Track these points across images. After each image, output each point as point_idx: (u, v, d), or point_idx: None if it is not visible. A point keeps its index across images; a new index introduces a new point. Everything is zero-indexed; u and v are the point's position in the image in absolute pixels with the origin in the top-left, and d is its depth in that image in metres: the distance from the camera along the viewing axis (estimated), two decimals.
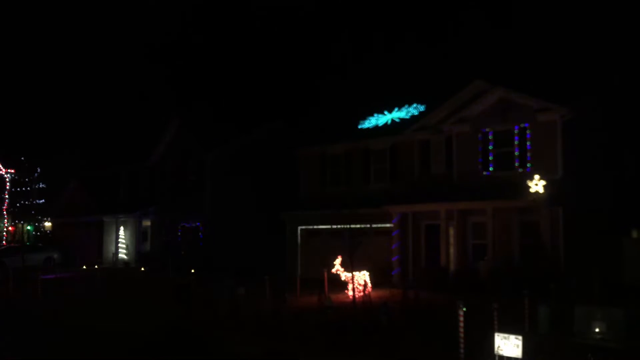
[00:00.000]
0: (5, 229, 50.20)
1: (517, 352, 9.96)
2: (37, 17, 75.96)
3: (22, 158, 53.21)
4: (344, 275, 19.20)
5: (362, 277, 18.99)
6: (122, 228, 36.64)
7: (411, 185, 25.12)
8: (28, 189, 54.85)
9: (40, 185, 55.60)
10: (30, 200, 55.17)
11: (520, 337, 10.03)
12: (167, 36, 72.37)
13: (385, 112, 28.39)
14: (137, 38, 78.10)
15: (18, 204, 54.33)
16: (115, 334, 16.27)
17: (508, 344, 10.08)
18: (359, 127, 28.65)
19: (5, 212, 50.43)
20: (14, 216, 55.16)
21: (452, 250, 22.64)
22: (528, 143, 21.71)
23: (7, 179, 49.77)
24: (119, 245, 36.44)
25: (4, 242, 47.38)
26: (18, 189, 53.91)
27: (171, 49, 71.65)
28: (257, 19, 59.50)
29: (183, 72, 60.75)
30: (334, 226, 19.52)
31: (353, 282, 18.82)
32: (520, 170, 21.60)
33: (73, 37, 77.85)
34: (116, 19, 73.96)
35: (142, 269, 32.25)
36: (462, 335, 10.87)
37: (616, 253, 20.30)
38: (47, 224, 52.26)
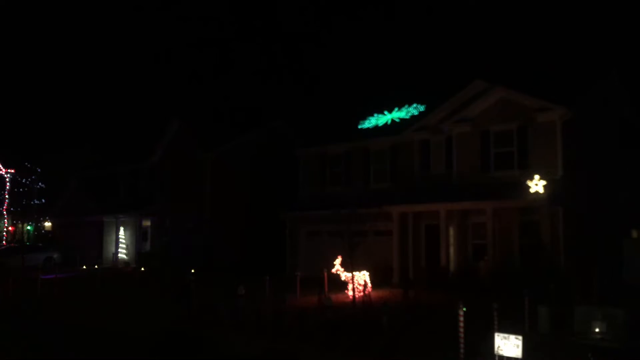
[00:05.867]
0: (5, 229, 50.18)
1: (517, 352, 9.96)
2: (38, 17, 75.95)
3: (22, 158, 53.23)
4: (344, 275, 19.19)
5: (362, 277, 18.98)
6: (122, 228, 36.63)
7: (411, 185, 25.10)
8: (28, 189, 54.87)
9: (40, 185, 55.60)
10: (31, 200, 55.19)
11: (520, 337, 10.03)
12: (168, 36, 72.39)
13: (385, 112, 28.38)
14: (138, 38, 78.09)
15: (18, 204, 54.37)
16: (115, 334, 16.27)
17: (508, 344, 10.08)
18: (359, 127, 28.64)
19: (5, 212, 50.42)
20: (14, 216, 55.17)
21: (452, 250, 22.63)
22: (528, 143, 21.68)
23: (7, 179, 49.74)
24: (119, 245, 36.43)
25: (4, 242, 47.35)
26: (18, 189, 53.92)
27: (172, 49, 71.65)
28: (258, 19, 59.51)
29: (183, 72, 60.75)
30: (334, 226, 19.48)
31: (353, 282, 18.81)
32: (520, 170, 21.58)
33: (74, 38, 77.86)
34: (117, 19, 73.95)
35: (142, 269, 32.23)
36: (462, 335, 10.87)
37: (616, 253, 20.30)
38: (47, 224, 52.26)
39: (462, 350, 10.83)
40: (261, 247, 30.74)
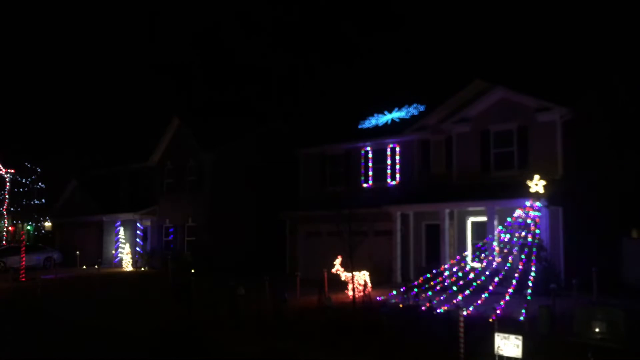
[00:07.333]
0: (5, 229, 50.17)
1: (517, 352, 9.96)
2: (38, 16, 76.01)
3: (23, 158, 53.20)
4: (344, 275, 19.18)
5: (362, 277, 18.98)
6: (122, 228, 36.63)
7: (411, 185, 25.12)
8: (28, 189, 54.86)
9: (40, 185, 55.61)
10: (31, 200, 55.19)
11: (520, 337, 10.03)
12: (168, 36, 72.40)
13: (385, 112, 28.39)
14: (137, 37, 78.13)
15: (18, 204, 54.34)
16: (115, 333, 16.27)
17: (508, 344, 10.08)
18: (359, 127, 28.65)
19: (5, 212, 50.41)
20: (14, 216, 55.13)
21: (452, 250, 22.64)
22: (528, 143, 21.69)
23: (7, 179, 49.74)
24: (119, 245, 36.43)
25: (4, 242, 47.34)
26: (18, 189, 53.91)
27: (172, 49, 71.68)
28: (257, 18, 59.49)
29: (183, 72, 60.75)
30: (334, 226, 19.48)
31: (353, 282, 18.80)
32: (520, 170, 21.58)
33: (74, 37, 77.89)
34: (116, 18, 74.00)
35: (142, 269, 32.24)
36: (462, 335, 10.87)
37: (616, 253, 20.31)
38: (47, 224, 52.22)
39: (462, 350, 10.83)
40: (261, 247, 30.73)
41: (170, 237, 34.12)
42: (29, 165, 54.53)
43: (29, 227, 56.53)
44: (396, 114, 27.87)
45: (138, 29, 78.31)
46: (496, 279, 19.97)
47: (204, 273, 26.82)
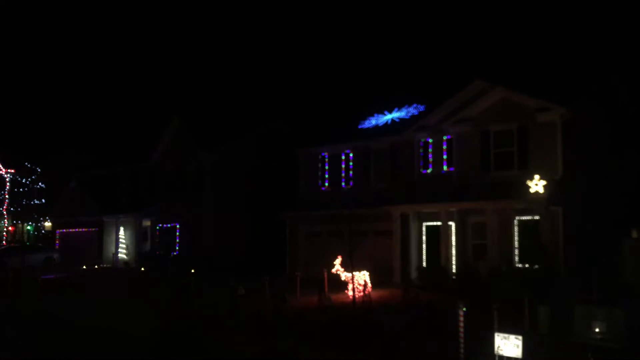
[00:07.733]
0: (5, 229, 50.18)
1: (517, 352, 9.97)
2: (38, 15, 75.97)
3: (23, 158, 53.25)
4: (344, 275, 19.18)
5: (362, 277, 18.97)
6: (122, 228, 36.63)
7: (411, 185, 25.11)
8: (28, 189, 54.91)
9: (40, 185, 55.65)
10: (31, 200, 55.23)
11: (520, 337, 10.03)
12: (168, 36, 72.40)
13: (385, 112, 28.39)
14: (137, 38, 78.13)
15: (18, 204, 54.39)
16: (115, 333, 16.28)
17: (508, 344, 10.09)
18: (359, 127, 28.65)
19: (5, 212, 50.43)
20: (14, 216, 55.18)
21: (452, 250, 22.65)
22: (528, 143, 21.69)
23: (7, 179, 49.75)
24: (119, 245, 36.43)
25: (4, 242, 47.36)
26: (18, 189, 53.95)
27: (172, 49, 71.62)
28: (257, 18, 59.44)
29: (183, 72, 60.72)
30: (334, 226, 19.51)
31: (353, 282, 18.80)
32: (520, 170, 21.57)
33: (75, 37, 77.86)
34: (116, 18, 73.97)
35: (142, 269, 32.24)
36: (462, 335, 10.87)
37: (616, 253, 20.29)
38: (47, 224, 52.23)
39: (462, 351, 10.83)
40: (261, 247, 30.72)
41: (170, 237, 34.11)
42: (29, 165, 54.55)
43: (29, 227, 56.56)
44: (396, 114, 27.87)
45: (138, 29, 78.28)
46: (496, 279, 20.06)
47: (204, 273, 26.82)
